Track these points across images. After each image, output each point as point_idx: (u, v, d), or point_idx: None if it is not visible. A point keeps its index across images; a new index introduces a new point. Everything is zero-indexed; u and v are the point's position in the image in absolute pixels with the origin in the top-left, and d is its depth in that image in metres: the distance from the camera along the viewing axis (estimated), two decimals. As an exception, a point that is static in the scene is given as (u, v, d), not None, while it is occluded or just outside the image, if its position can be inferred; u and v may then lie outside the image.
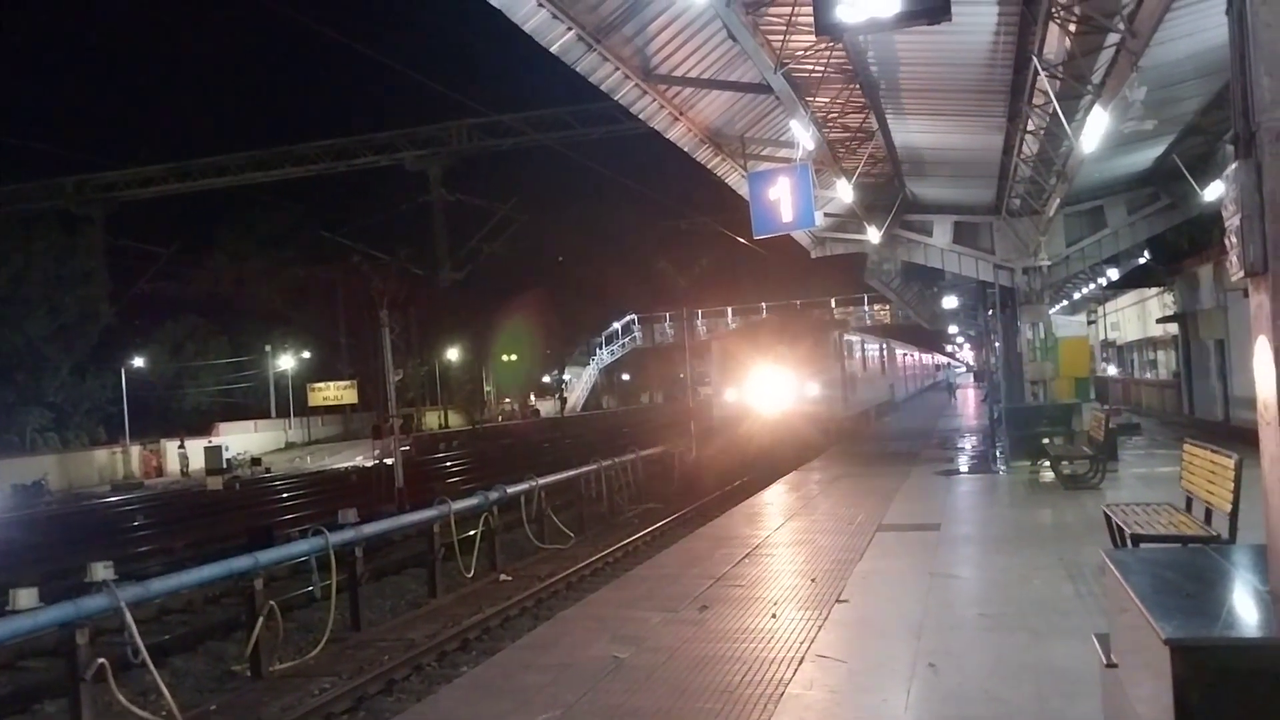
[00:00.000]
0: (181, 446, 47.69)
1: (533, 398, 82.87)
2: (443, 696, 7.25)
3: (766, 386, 28.15)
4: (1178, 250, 28.17)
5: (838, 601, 8.98)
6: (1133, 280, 35.68)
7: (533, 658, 7.82)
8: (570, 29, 11.98)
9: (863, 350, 36.74)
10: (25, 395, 48.23)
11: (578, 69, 12.89)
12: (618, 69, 13.53)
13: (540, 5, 11.16)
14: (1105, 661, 4.60)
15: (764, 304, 67.47)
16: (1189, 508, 8.21)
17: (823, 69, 13.70)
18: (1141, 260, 32.37)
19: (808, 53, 12.72)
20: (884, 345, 45.69)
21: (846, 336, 33.26)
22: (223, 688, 11.24)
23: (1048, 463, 17.31)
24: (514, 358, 75.76)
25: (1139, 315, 38.53)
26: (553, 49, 12.16)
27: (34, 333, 47.53)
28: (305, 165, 46.97)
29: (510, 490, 17.31)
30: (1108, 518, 9.21)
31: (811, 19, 9.00)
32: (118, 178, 49.05)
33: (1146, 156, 19.23)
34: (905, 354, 59.99)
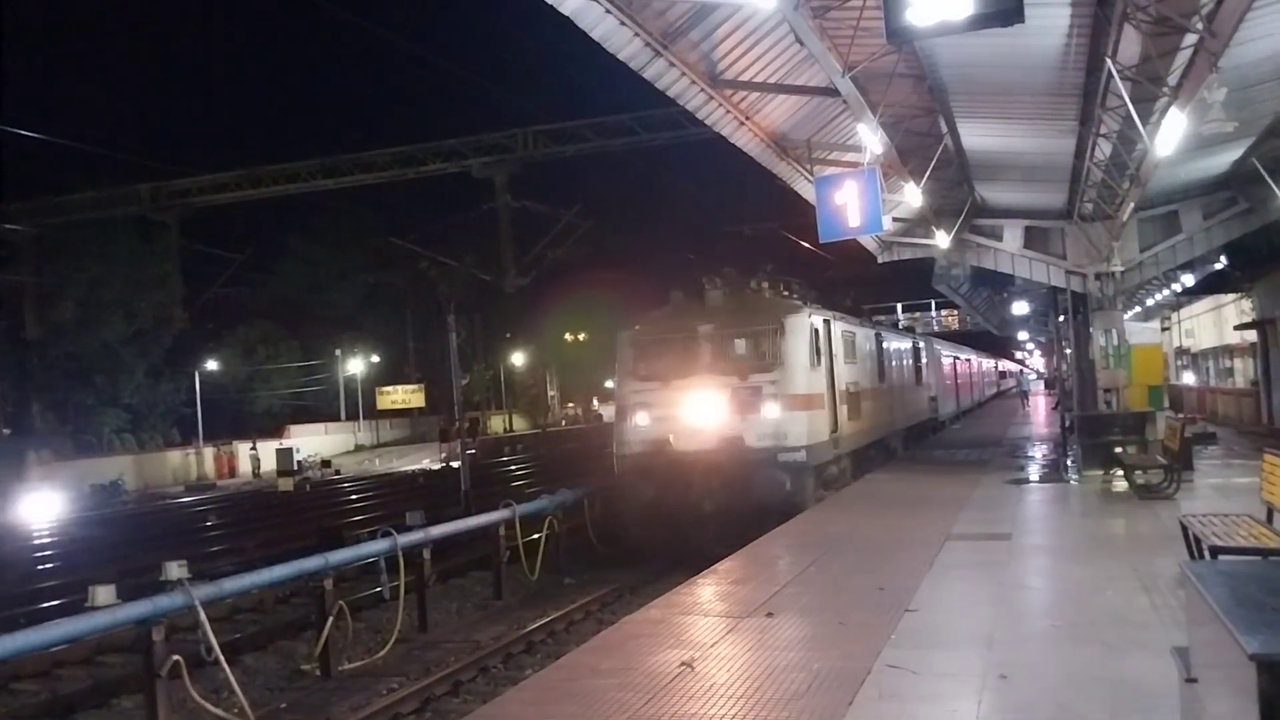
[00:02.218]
0: (253, 448, 48.52)
1: (595, 402, 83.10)
2: (509, 699, 7.29)
3: (686, 411, 16.80)
4: (1256, 255, 27.43)
5: (907, 611, 8.89)
6: (1209, 286, 34.84)
7: (597, 661, 7.84)
8: (637, 35, 12.02)
9: (876, 348, 23.88)
10: (103, 397, 49.39)
11: (645, 75, 12.92)
12: (684, 75, 13.53)
13: (608, 12, 11.20)
14: (1184, 676, 4.50)
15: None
16: (1270, 519, 8.01)
17: (890, 72, 13.58)
18: (1218, 266, 31.61)
19: (875, 56, 12.61)
20: (919, 344, 32.09)
21: (843, 326, 20.43)
22: (292, 686, 11.43)
23: (1120, 472, 17.01)
24: (577, 361, 76.02)
25: (1215, 322, 37.65)
26: (620, 55, 12.19)
27: (111, 337, 48.65)
28: (374, 172, 47.56)
29: (573, 493, 17.49)
30: (1184, 528, 9.04)
31: (879, 21, 8.95)
32: (192, 184, 50.02)
33: (1224, 160, 18.79)
34: (957, 357, 46.55)
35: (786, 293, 19.28)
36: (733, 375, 16.77)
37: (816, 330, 17.87)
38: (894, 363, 26.61)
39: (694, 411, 16.65)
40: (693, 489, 16.09)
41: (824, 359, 18.16)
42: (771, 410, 16.42)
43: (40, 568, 21.17)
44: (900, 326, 47.65)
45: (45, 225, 48.21)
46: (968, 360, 52.10)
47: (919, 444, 29.56)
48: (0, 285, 46.76)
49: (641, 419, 17.11)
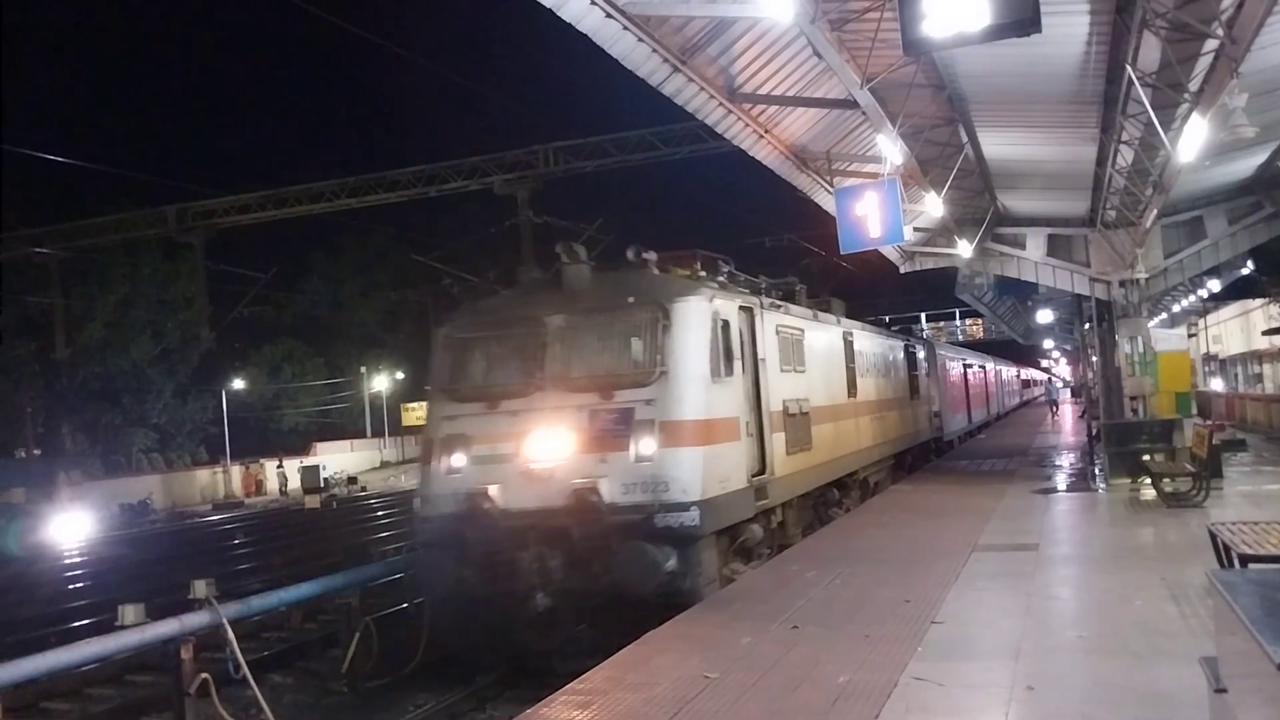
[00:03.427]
0: (280, 466, 48.79)
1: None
2: (539, 715, 7.28)
3: (518, 449, 11.32)
4: (1284, 260, 27.26)
5: (933, 623, 8.84)
6: (1236, 292, 34.63)
7: (623, 675, 7.83)
8: (655, 51, 12.07)
9: (844, 352, 18.54)
10: (130, 417, 49.77)
11: (663, 91, 12.97)
12: (703, 89, 13.59)
13: (625, 29, 11.26)
14: (1214, 686, 4.46)
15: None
16: (1300, 527, 7.94)
17: (909, 83, 13.58)
18: (1245, 271, 31.39)
19: (894, 67, 12.62)
20: (914, 349, 26.99)
21: (780, 320, 14.55)
22: (319, 703, 11.48)
23: (1148, 480, 16.86)
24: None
25: (1243, 328, 37.39)
26: (639, 72, 12.25)
27: (139, 357, 49.06)
28: (396, 191, 47.84)
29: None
30: (1213, 537, 8.96)
31: (897, 33, 8.96)
32: (217, 205, 50.49)
33: (1248, 165, 18.67)
34: (970, 365, 40.74)
35: (702, 272, 13.06)
36: (591, 391, 11.07)
37: (726, 323, 11.91)
38: (873, 372, 20.74)
39: (531, 449, 11.02)
40: (521, 573, 10.53)
41: (742, 366, 12.41)
42: (646, 445, 10.69)
43: (70, 587, 21.33)
44: (892, 326, 35.81)
45: (73, 248, 48.75)
46: (983, 368, 46.71)
47: (916, 471, 24.54)
48: (29, 308, 47.24)
49: (454, 461, 11.34)
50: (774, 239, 38.95)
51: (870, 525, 15.58)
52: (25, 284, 47.11)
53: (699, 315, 11.41)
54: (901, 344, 25.55)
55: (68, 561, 26.53)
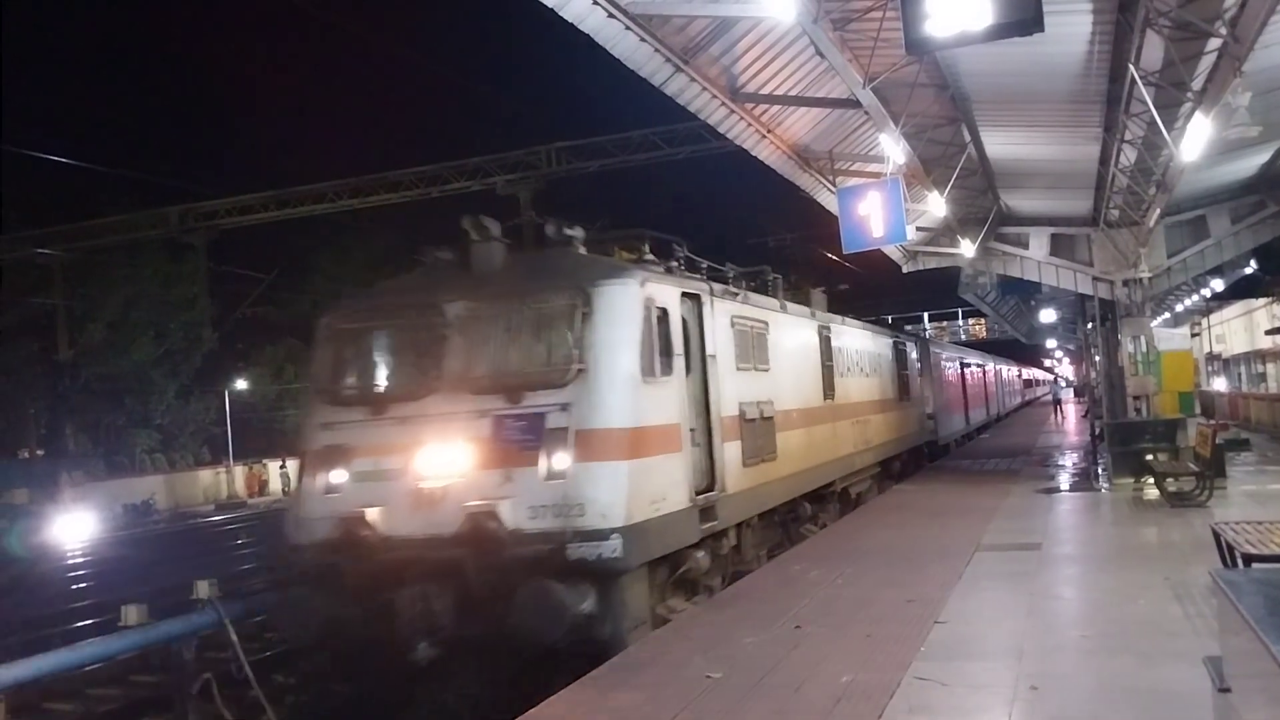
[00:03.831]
0: (283, 466, 48.79)
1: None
2: (542, 714, 7.27)
3: (407, 464, 9.56)
4: (1287, 259, 27.23)
5: (936, 622, 8.83)
6: (1239, 291, 34.59)
7: (629, 676, 7.83)
8: (657, 51, 12.07)
9: (819, 349, 16.71)
10: (134, 418, 49.80)
11: (666, 91, 12.97)
12: (705, 89, 13.59)
13: (628, 29, 11.26)
14: (1218, 686, 4.45)
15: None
16: (1304, 526, 7.92)
17: (912, 82, 13.57)
18: (1248, 270, 31.35)
19: (896, 66, 12.62)
20: (905, 346, 24.99)
21: (735, 309, 12.72)
22: (322, 705, 11.45)
23: (1151, 480, 16.86)
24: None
25: (1246, 327, 37.36)
26: (641, 72, 12.26)
27: (142, 358, 49.08)
28: (399, 191, 47.83)
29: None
30: (1217, 536, 8.95)
31: (899, 32, 8.96)
32: (219, 206, 50.46)
33: (1251, 164, 18.65)
34: (968, 364, 39.24)
35: (650, 255, 11.45)
36: (495, 394, 9.35)
37: (664, 313, 10.27)
38: (856, 371, 19.12)
39: (421, 464, 9.33)
40: (401, 617, 8.77)
41: (686, 364, 10.72)
42: (559, 459, 8.99)
43: (73, 588, 21.34)
44: (895, 326, 34.82)
45: (75, 249, 48.78)
46: (982, 368, 45.09)
47: (907, 478, 22.72)
48: (32, 309, 47.26)
49: (332, 478, 9.62)
50: (777, 238, 38.95)
51: (873, 525, 15.56)
52: (28, 285, 47.15)
53: (627, 302, 9.64)
54: (890, 341, 23.74)
55: (70, 562, 26.53)
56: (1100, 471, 19.50)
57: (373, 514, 9.18)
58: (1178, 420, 19.39)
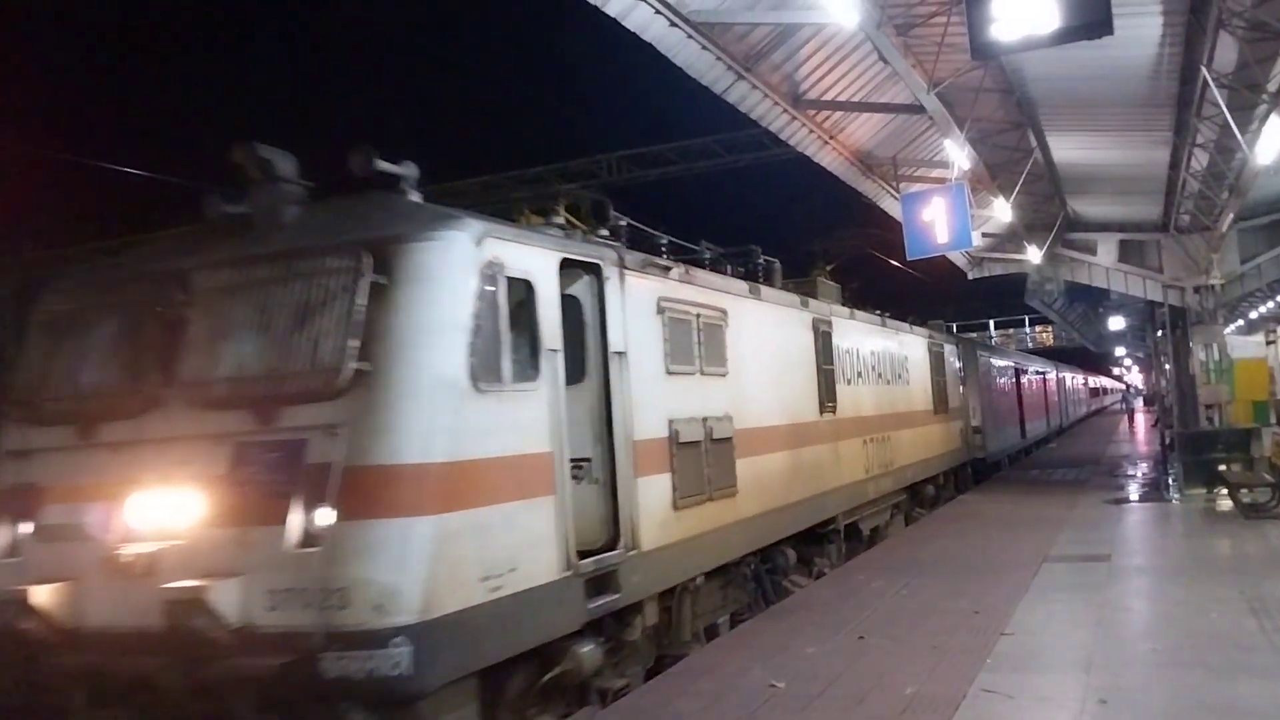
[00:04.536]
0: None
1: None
2: (603, 719, 7.31)
3: (105, 519, 6.39)
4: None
5: (1003, 634, 8.72)
6: (1317, 297, 33.69)
7: (688, 684, 7.82)
8: (719, 60, 12.09)
9: (815, 347, 13.24)
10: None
11: (727, 99, 13.00)
12: (766, 96, 13.60)
13: (690, 38, 11.29)
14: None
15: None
16: (1385, 539, 7.72)
17: (977, 87, 13.44)
18: (1326, 276, 30.57)
19: (961, 71, 12.51)
20: (942, 349, 21.33)
21: (663, 288, 9.18)
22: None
23: (1225, 490, 16.51)
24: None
25: (1324, 334, 36.35)
26: (703, 80, 12.30)
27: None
28: (461, 200, 48.32)
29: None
30: (1294, 549, 8.75)
31: (964, 37, 8.89)
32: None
33: (1329, 166, 18.21)
34: (1024, 371, 34.95)
35: (559, 219, 8.70)
36: (241, 409, 6.36)
37: (523, 289, 7.10)
38: (870, 377, 15.76)
39: (127, 517, 6.37)
40: None
41: (564, 366, 7.46)
42: (319, 515, 5.92)
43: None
44: (959, 333, 31.95)
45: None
46: (1041, 375, 41.06)
47: (941, 506, 19.59)
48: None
49: (11, 534, 6.73)
50: (839, 244, 38.69)
51: (937, 536, 15.39)
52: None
53: (448, 268, 6.40)
54: (923, 342, 19.97)
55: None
56: (1171, 482, 19.11)
57: (47, 595, 6.18)
58: (1252, 430, 18.93)
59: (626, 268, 8.45)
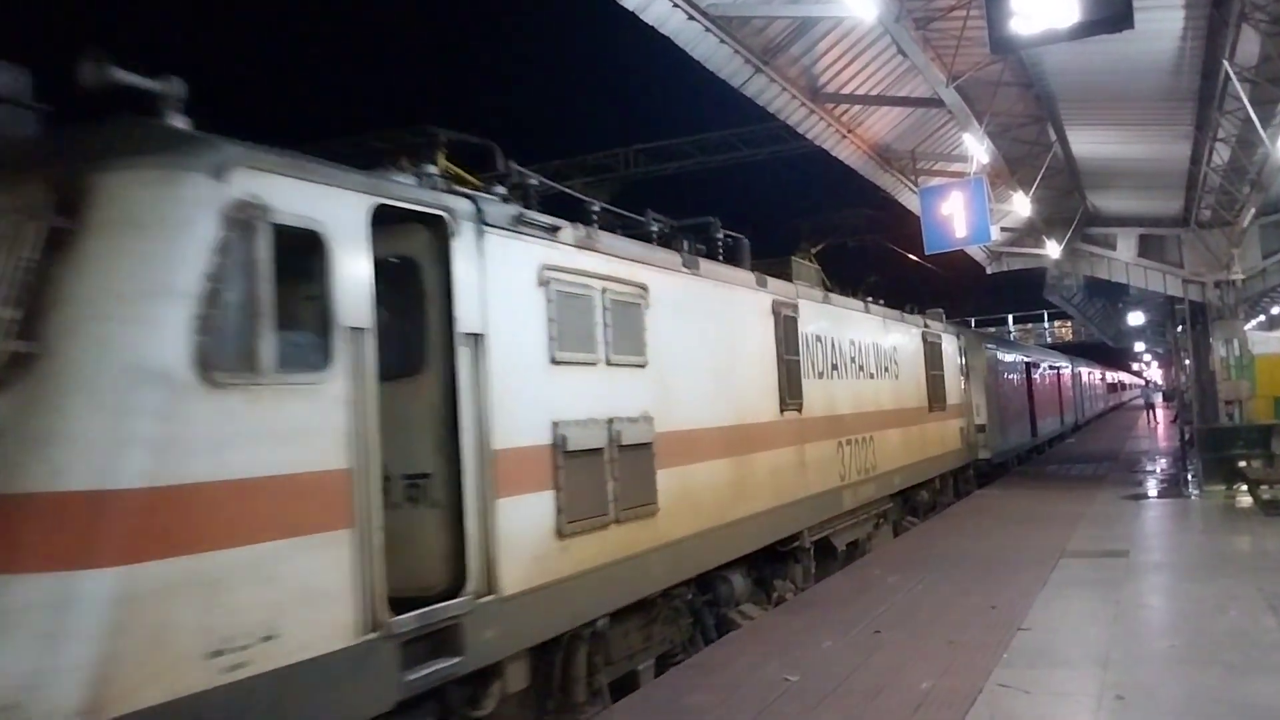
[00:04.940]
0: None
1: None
2: (617, 713, 7.31)
3: None
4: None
5: (1019, 629, 8.70)
6: (1340, 293, 33.44)
7: (701, 678, 7.83)
8: (737, 53, 12.08)
9: (775, 332, 11.25)
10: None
11: (745, 92, 12.98)
12: (785, 90, 13.57)
13: (708, 31, 11.28)
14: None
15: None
16: (1406, 537, 7.66)
17: (996, 81, 13.39)
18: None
19: (980, 65, 12.46)
20: (938, 340, 19.21)
21: (555, 261, 7.28)
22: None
23: (1244, 487, 16.42)
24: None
25: (1347, 330, 36.07)
26: (721, 74, 12.29)
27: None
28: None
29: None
30: (1314, 547, 8.70)
31: (983, 30, 8.85)
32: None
33: (1353, 161, 18.06)
34: (1035, 365, 32.98)
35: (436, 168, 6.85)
36: None
37: (304, 243, 5.25)
38: (846, 371, 13.68)
39: None
40: None
41: (400, 354, 6.14)
42: None
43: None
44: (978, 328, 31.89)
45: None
46: (1055, 370, 39.30)
47: (935, 512, 17.98)
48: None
49: None
50: (856, 239, 38.57)
51: (953, 531, 15.35)
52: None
53: (167, 211, 4.75)
54: (916, 331, 17.87)
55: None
56: (1190, 478, 19.02)
57: None
58: (1273, 426, 18.81)
59: (488, 224, 6.55)
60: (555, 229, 7.37)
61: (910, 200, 18.12)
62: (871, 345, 14.97)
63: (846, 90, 14.55)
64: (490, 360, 6.35)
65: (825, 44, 13.17)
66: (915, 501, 17.30)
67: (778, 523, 10.86)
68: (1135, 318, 43.74)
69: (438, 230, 6.19)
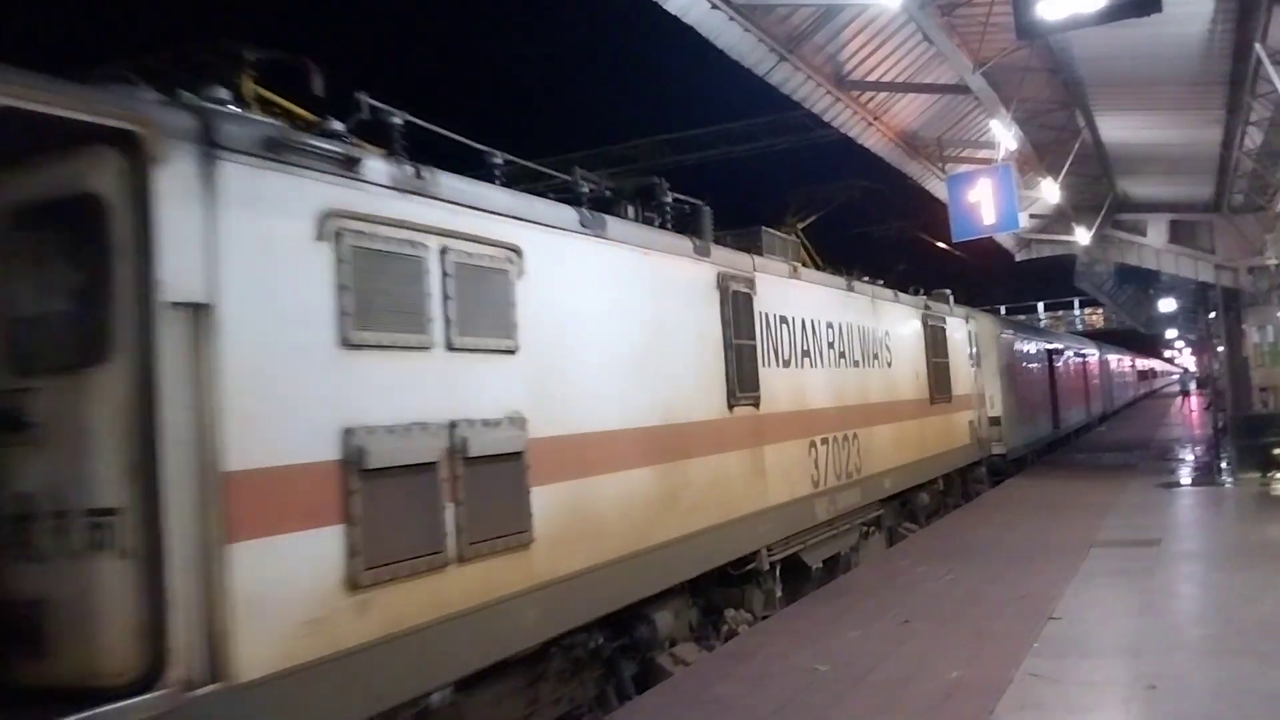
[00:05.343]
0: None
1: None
2: (642, 703, 7.33)
3: None
4: None
5: (1050, 619, 8.65)
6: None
7: (731, 667, 7.84)
8: (761, 41, 12.04)
9: (736, 312, 9.54)
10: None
11: (770, 81, 12.94)
12: (810, 78, 13.51)
13: (732, 20, 11.25)
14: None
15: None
16: None
17: (1023, 67, 13.28)
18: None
19: (1006, 51, 12.36)
20: (944, 325, 17.23)
21: (380, 210, 5.46)
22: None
23: (1278, 474, 16.24)
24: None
25: (1383, 315, 35.61)
26: (745, 63, 12.25)
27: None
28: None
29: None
30: (1349, 534, 8.61)
31: (1009, 16, 8.78)
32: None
33: (1388, 143, 17.81)
34: (1057, 352, 30.66)
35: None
36: None
37: None
38: (823, 359, 11.80)
39: None
40: None
41: (78, 333, 4.43)
42: None
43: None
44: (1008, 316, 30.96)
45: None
46: (1082, 357, 37.05)
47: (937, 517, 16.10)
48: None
49: None
50: (881, 227, 38.33)
51: (983, 521, 15.28)
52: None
53: None
54: (916, 313, 16.02)
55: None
56: (1224, 466, 18.84)
57: None
58: (1308, 413, 18.64)
59: (224, 147, 4.63)
60: (352, 161, 5.38)
61: (937, 188, 18.01)
62: (856, 329, 13.00)
63: (872, 78, 14.47)
64: (223, 342, 4.49)
65: (850, 31, 13.10)
66: (916, 503, 15.46)
67: (724, 542, 8.98)
68: (1167, 304, 43.35)
69: (135, 155, 4.31)
